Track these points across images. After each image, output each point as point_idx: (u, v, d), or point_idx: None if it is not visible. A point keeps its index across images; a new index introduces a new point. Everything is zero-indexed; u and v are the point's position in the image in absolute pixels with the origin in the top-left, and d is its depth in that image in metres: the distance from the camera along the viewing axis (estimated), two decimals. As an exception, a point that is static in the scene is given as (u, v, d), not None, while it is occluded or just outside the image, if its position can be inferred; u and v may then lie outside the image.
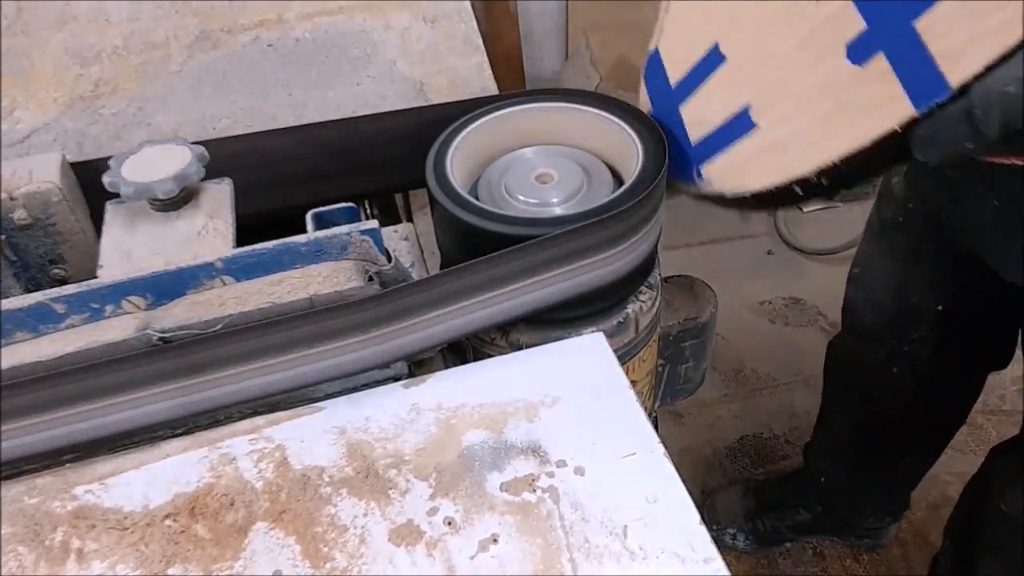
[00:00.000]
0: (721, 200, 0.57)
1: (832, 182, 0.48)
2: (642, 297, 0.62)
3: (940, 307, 1.01)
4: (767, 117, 0.53)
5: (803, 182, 0.49)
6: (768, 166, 0.51)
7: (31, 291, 0.53)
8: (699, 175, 0.58)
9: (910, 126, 0.42)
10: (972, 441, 1.54)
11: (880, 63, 0.44)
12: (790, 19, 0.52)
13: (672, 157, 0.59)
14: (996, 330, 1.05)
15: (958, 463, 1.49)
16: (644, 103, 0.65)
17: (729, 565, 0.43)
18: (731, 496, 1.45)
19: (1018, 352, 1.00)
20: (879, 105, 0.44)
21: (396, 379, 0.54)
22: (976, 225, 0.79)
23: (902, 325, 1.07)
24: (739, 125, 0.54)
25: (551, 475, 0.47)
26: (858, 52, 0.46)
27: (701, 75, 0.59)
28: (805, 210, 2.05)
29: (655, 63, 0.64)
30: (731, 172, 0.55)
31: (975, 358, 1.11)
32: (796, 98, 0.51)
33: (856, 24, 0.46)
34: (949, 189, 0.82)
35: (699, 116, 0.58)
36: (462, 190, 0.58)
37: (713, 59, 0.58)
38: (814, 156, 0.48)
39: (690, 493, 0.45)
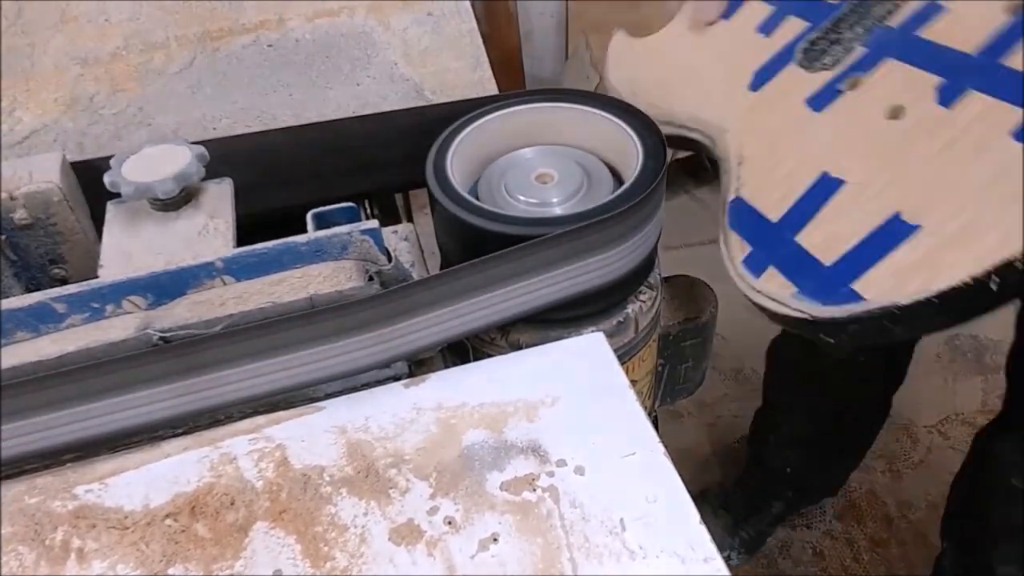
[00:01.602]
0: (899, 315, 0.51)
1: None
2: (642, 297, 0.62)
3: None
4: (931, 217, 0.50)
5: (1005, 269, 0.46)
6: (954, 260, 0.48)
7: (31, 291, 0.53)
8: (852, 293, 0.53)
9: None
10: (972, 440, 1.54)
11: None
12: (924, 131, 0.53)
13: (805, 286, 0.55)
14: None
15: (958, 462, 1.49)
16: (738, 248, 0.62)
17: (729, 566, 0.43)
18: (704, 518, 1.45)
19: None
20: None
21: (396, 379, 0.54)
22: None
23: None
24: (893, 231, 0.52)
25: (551, 475, 0.47)
26: None
27: (815, 202, 0.57)
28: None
29: (742, 210, 0.62)
30: (898, 278, 0.51)
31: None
32: (963, 190, 0.49)
33: (1012, 115, 0.47)
34: None
35: (828, 237, 0.56)
36: (462, 190, 0.58)
37: (827, 185, 0.57)
38: (1013, 237, 0.45)
39: (690, 493, 0.45)
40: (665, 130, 0.62)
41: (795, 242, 0.58)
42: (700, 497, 1.51)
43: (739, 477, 1.47)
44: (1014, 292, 0.46)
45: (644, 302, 0.62)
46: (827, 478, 1.40)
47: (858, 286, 0.52)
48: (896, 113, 0.55)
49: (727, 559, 1.42)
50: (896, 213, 0.52)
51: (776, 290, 0.58)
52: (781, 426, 1.35)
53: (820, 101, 0.61)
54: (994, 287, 0.46)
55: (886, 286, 0.51)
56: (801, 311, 0.55)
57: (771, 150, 0.63)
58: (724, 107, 0.68)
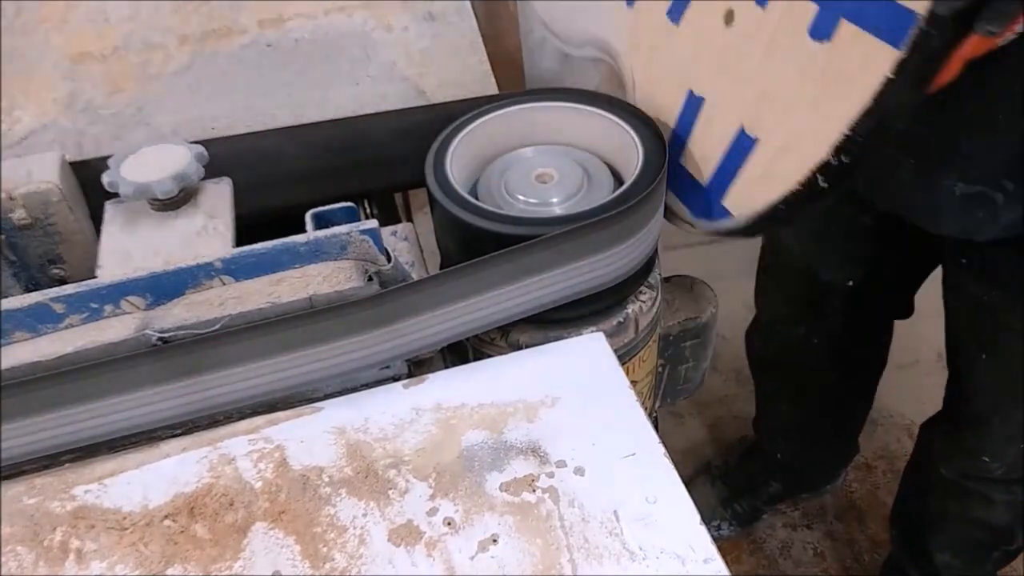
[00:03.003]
0: (761, 226, 0.56)
1: (854, 157, 0.48)
2: (642, 297, 0.62)
3: (850, 282, 1.05)
4: (763, 128, 0.53)
5: (825, 169, 0.49)
6: (785, 169, 0.52)
7: (30, 291, 0.53)
8: (724, 210, 0.57)
9: (903, 69, 0.43)
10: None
11: (846, 28, 0.46)
12: (746, 35, 0.53)
13: (692, 204, 0.59)
14: (904, 288, 1.10)
15: (958, 463, 1.49)
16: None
17: (729, 566, 0.42)
18: (701, 490, 1.48)
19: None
20: (862, 64, 0.45)
21: (396, 379, 0.54)
22: (895, 187, 0.81)
23: (815, 304, 1.11)
24: (741, 147, 0.55)
25: (551, 475, 0.47)
26: (821, 30, 0.47)
27: (687, 123, 0.60)
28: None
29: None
30: (751, 191, 0.55)
31: (885, 315, 1.16)
32: (782, 99, 0.51)
33: (809, 9, 0.48)
34: (869, 165, 0.83)
35: (701, 157, 0.59)
36: (462, 190, 0.58)
37: (693, 104, 0.59)
38: (822, 138, 0.48)
39: (690, 474, 0.45)
40: (583, 53, 0.62)
41: (681, 165, 0.61)
42: (701, 468, 1.52)
43: (741, 456, 1.49)
44: (846, 178, 0.49)
45: (644, 302, 0.62)
46: (820, 465, 1.41)
47: (727, 203, 0.57)
48: (729, 19, 0.55)
49: (717, 528, 1.45)
50: (741, 128, 0.54)
51: (680, 211, 0.63)
52: (768, 414, 1.37)
53: (675, 12, 0.60)
54: (824, 185, 0.49)
55: (744, 201, 0.55)
56: (702, 229, 0.61)
57: (650, 70, 0.64)
58: (612, 26, 0.69)
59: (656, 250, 0.62)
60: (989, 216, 0.75)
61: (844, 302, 1.08)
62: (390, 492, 0.46)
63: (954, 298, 0.95)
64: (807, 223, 1.03)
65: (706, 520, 0.44)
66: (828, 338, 1.14)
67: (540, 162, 0.62)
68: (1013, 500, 1.01)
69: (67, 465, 0.49)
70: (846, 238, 1.01)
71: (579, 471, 0.47)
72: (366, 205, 0.78)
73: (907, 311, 1.14)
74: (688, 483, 0.46)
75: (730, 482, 1.46)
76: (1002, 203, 0.73)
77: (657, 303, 0.64)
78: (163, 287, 0.50)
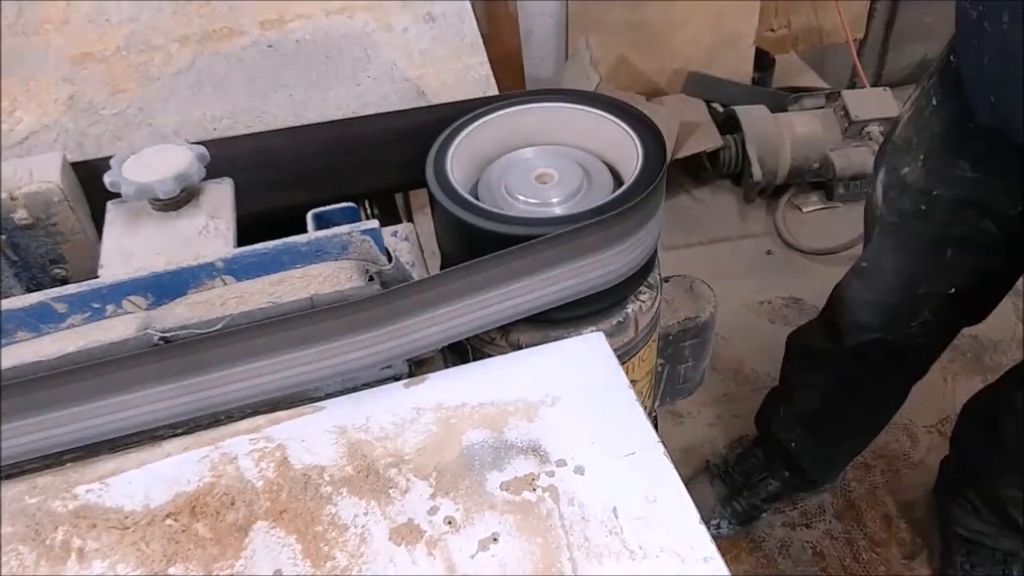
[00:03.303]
0: None
1: None
2: (642, 297, 0.62)
3: (953, 290, 1.02)
4: None
5: None
6: None
7: (32, 291, 0.53)
8: None
9: None
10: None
11: None
12: None
13: None
14: (989, 298, 1.08)
15: (958, 463, 1.49)
16: None
17: (728, 565, 0.43)
18: (700, 488, 1.48)
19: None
20: None
21: (396, 378, 0.54)
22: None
23: (903, 318, 1.09)
24: None
25: (551, 474, 0.47)
26: None
27: None
28: (805, 210, 2.06)
29: None
30: None
31: (959, 321, 1.14)
32: None
33: None
34: (999, 85, 0.79)
35: None
36: (462, 190, 0.58)
37: None
38: None
39: (690, 475, 0.45)
40: None
41: None
42: (701, 467, 1.52)
43: (741, 454, 1.49)
44: None
45: (644, 302, 0.62)
46: (826, 461, 1.41)
47: None
48: None
49: (716, 527, 1.45)
50: None
51: None
52: (792, 400, 1.35)
53: None
54: None
55: None
56: None
57: None
58: None
59: (656, 250, 0.62)
60: None
61: (934, 312, 1.05)
62: (391, 491, 0.46)
63: None
64: (920, 234, 1.00)
65: (705, 519, 0.44)
66: (898, 345, 1.12)
67: (540, 162, 0.62)
68: None
69: (69, 464, 0.49)
70: (960, 249, 0.99)
71: (579, 470, 0.47)
72: (367, 205, 0.78)
73: (980, 317, 1.11)
74: (687, 482, 0.46)
75: (729, 480, 1.47)
76: None
77: (657, 303, 0.64)
78: (165, 287, 0.50)
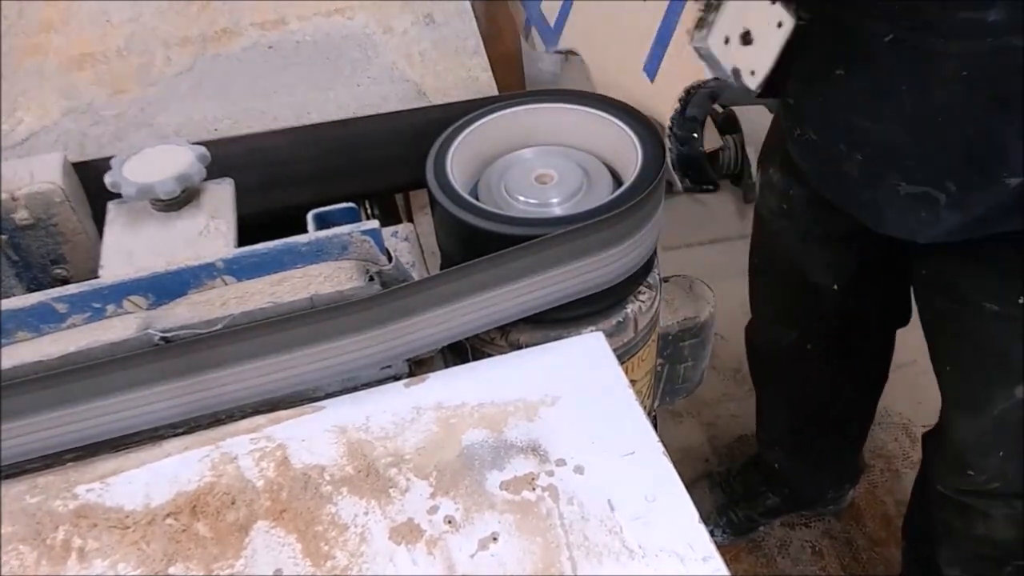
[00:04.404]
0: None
1: None
2: (641, 297, 0.62)
3: (836, 285, 1.05)
4: None
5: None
6: None
7: (33, 291, 0.53)
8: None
9: None
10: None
11: None
12: None
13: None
14: (891, 293, 1.09)
15: (957, 463, 1.49)
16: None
17: (727, 564, 0.43)
18: (698, 494, 1.47)
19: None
20: None
21: (396, 378, 0.54)
22: (843, 184, 0.82)
23: (806, 306, 1.11)
24: None
25: (551, 474, 0.47)
26: None
27: None
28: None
29: None
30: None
31: (879, 322, 1.15)
32: None
33: None
34: (817, 158, 0.85)
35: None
36: (462, 190, 0.58)
37: None
38: None
39: (689, 485, 0.46)
40: None
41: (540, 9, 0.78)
42: (702, 473, 1.52)
43: (744, 465, 1.48)
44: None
45: (643, 302, 0.62)
46: (817, 481, 1.40)
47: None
48: None
49: (710, 534, 1.44)
50: None
51: None
52: (766, 421, 1.36)
53: None
54: None
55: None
56: None
57: None
58: None
59: (655, 250, 0.62)
60: (932, 217, 0.75)
61: (834, 306, 1.08)
62: (391, 491, 0.46)
63: (921, 309, 0.96)
64: (788, 223, 1.03)
65: (698, 524, 0.44)
66: (822, 345, 1.14)
67: (540, 163, 0.63)
68: (1014, 514, 0.98)
69: (69, 464, 0.49)
70: (826, 239, 1.01)
71: (579, 470, 0.47)
72: (367, 206, 0.78)
73: (903, 318, 1.13)
74: (687, 485, 0.46)
75: (729, 490, 1.45)
76: (944, 203, 0.74)
77: (656, 303, 0.64)
78: (165, 287, 0.50)
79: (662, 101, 0.62)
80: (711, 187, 0.66)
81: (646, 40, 0.63)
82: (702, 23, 0.57)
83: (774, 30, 0.52)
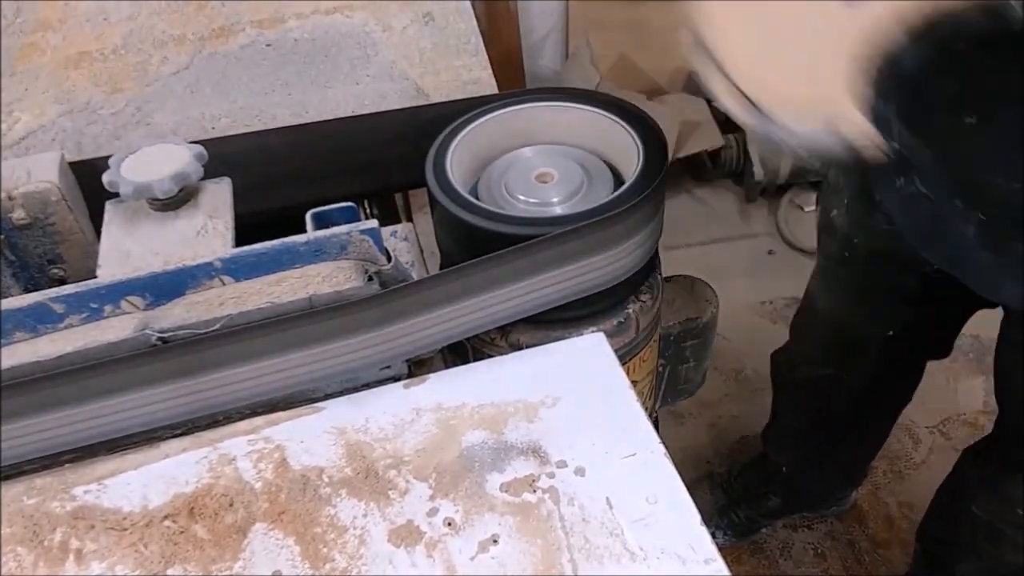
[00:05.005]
0: None
1: None
2: (643, 297, 0.62)
3: (890, 332, 1.02)
4: None
5: None
6: None
7: (30, 291, 0.53)
8: None
9: None
10: (974, 441, 1.54)
11: None
12: None
13: None
14: (942, 338, 1.07)
15: (959, 463, 1.48)
16: None
17: (729, 567, 0.42)
18: (698, 495, 1.45)
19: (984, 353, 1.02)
20: None
21: (396, 379, 0.54)
22: (952, 250, 0.74)
23: (849, 353, 1.09)
24: None
25: (551, 475, 0.46)
26: None
27: None
28: (807, 209, 2.05)
29: None
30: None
31: (922, 359, 1.14)
32: None
33: None
34: (921, 214, 0.75)
35: None
36: (462, 190, 0.57)
37: None
38: None
39: (692, 483, 0.45)
40: None
41: None
42: (704, 475, 1.51)
43: (745, 465, 1.48)
44: None
45: (645, 302, 0.62)
46: (822, 484, 1.39)
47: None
48: None
49: (712, 535, 1.43)
50: None
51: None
52: (780, 426, 1.35)
53: None
54: None
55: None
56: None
57: None
58: None
59: (657, 250, 0.62)
60: None
61: (880, 351, 1.05)
62: (390, 492, 0.46)
63: (1010, 351, 0.91)
64: (848, 273, 0.99)
65: (700, 526, 0.44)
66: (860, 381, 1.12)
67: (540, 162, 0.62)
68: None
69: (67, 465, 0.49)
70: (887, 297, 0.97)
71: (579, 471, 0.47)
72: (366, 205, 0.78)
73: (945, 352, 1.11)
74: (688, 486, 0.46)
75: (730, 491, 1.45)
76: None
77: (658, 303, 0.64)
78: (163, 287, 0.50)
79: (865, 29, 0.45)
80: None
81: None
82: None
83: None
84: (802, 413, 1.27)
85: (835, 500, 1.45)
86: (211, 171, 0.57)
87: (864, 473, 1.42)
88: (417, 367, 0.57)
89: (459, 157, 0.61)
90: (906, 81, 0.49)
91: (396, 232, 0.66)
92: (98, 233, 0.55)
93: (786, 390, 1.29)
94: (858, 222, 0.92)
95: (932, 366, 1.21)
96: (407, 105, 0.71)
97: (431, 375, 0.53)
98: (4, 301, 0.48)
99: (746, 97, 0.52)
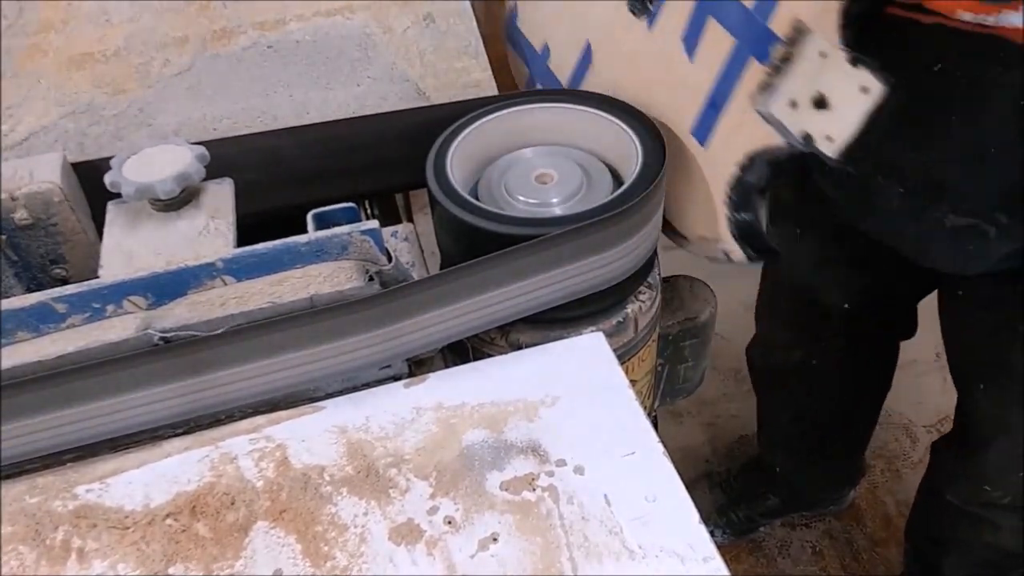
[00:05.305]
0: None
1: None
2: (642, 297, 0.62)
3: (846, 304, 1.04)
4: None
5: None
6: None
7: (32, 291, 0.53)
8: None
9: None
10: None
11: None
12: None
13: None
14: (901, 309, 1.09)
15: (957, 463, 1.49)
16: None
17: (728, 565, 0.43)
18: (697, 494, 1.45)
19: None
20: None
21: (396, 378, 0.54)
22: (883, 216, 0.78)
23: (814, 326, 1.10)
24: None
25: (551, 474, 0.47)
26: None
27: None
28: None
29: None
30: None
31: (885, 335, 1.15)
32: None
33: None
34: (850, 189, 0.80)
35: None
36: (462, 190, 0.58)
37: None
38: None
39: (690, 482, 0.46)
40: None
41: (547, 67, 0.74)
42: (703, 473, 1.52)
43: (744, 465, 1.48)
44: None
45: (644, 302, 0.62)
46: (819, 482, 1.39)
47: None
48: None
49: (710, 534, 1.43)
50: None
51: None
52: (768, 426, 1.36)
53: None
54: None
55: None
56: None
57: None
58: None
59: (656, 250, 0.62)
60: (980, 249, 0.72)
61: (842, 325, 1.07)
62: (391, 491, 0.46)
63: (951, 327, 0.94)
64: (802, 247, 1.01)
65: (699, 525, 0.44)
66: (829, 361, 1.13)
67: (540, 163, 0.63)
68: (1018, 526, 0.99)
69: (69, 464, 0.49)
70: (839, 262, 1.00)
71: (579, 470, 0.47)
72: (367, 205, 0.78)
73: (910, 330, 1.12)
74: (687, 486, 0.46)
75: (729, 490, 1.45)
76: (995, 236, 0.70)
77: (657, 303, 0.64)
78: (165, 287, 0.50)
79: (714, 166, 0.58)
80: (772, 255, 0.62)
81: (696, 101, 0.58)
82: (766, 86, 0.52)
83: (857, 96, 0.47)
84: (784, 410, 1.28)
85: (832, 500, 1.45)
86: (213, 172, 0.57)
87: (860, 471, 1.42)
88: (417, 366, 0.57)
89: (459, 158, 0.61)
90: (752, 194, 0.58)
91: (397, 232, 0.67)
92: (100, 233, 0.56)
93: (764, 384, 1.30)
94: (817, 197, 0.91)
95: (930, 367, 1.21)
96: (408, 106, 0.71)
97: (431, 374, 0.53)
98: (6, 301, 0.48)
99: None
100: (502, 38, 0.84)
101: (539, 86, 0.79)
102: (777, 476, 1.37)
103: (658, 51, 0.62)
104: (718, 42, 0.56)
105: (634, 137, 0.60)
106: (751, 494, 1.42)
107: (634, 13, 0.64)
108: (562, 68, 0.75)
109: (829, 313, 1.05)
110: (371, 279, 0.52)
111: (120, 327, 0.49)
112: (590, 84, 0.71)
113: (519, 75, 0.85)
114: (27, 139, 0.72)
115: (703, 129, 0.59)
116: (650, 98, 0.63)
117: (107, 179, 0.54)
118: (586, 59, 0.71)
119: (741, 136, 0.56)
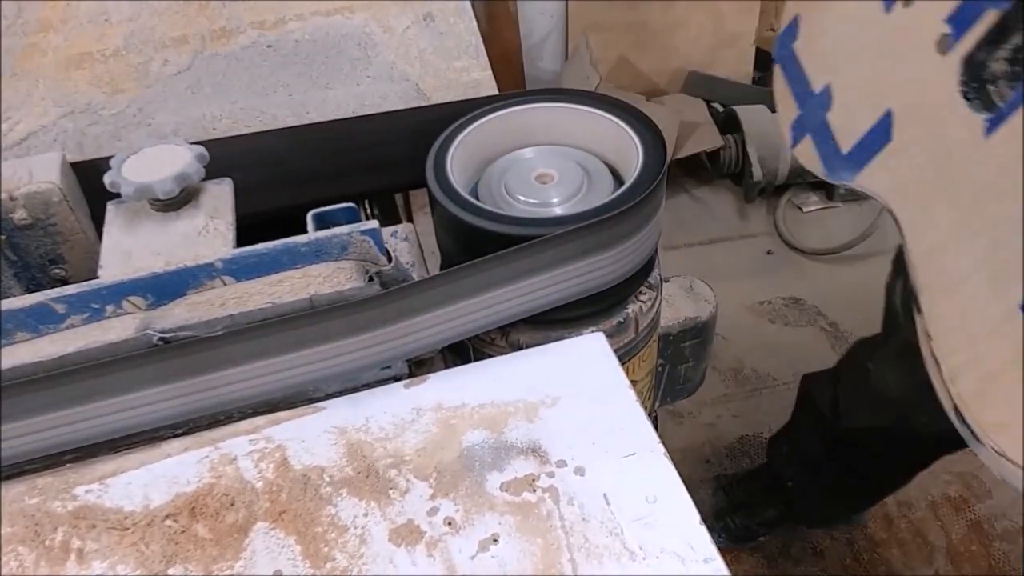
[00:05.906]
0: None
1: None
2: (642, 297, 0.62)
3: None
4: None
5: None
6: None
7: (31, 291, 0.53)
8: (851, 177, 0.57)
9: None
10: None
11: None
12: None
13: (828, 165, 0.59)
14: None
15: (959, 463, 1.49)
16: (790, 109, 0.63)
17: (728, 565, 0.43)
18: (700, 495, 1.46)
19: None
20: None
21: (396, 379, 0.54)
22: None
23: (902, 431, 1.05)
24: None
25: (551, 475, 0.47)
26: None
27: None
28: (805, 210, 2.06)
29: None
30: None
31: None
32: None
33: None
34: None
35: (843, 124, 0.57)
36: (462, 190, 0.58)
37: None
38: None
39: (691, 489, 0.45)
40: None
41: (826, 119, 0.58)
42: (706, 475, 1.50)
43: (750, 471, 1.47)
44: None
45: (644, 302, 0.62)
46: (822, 509, 1.35)
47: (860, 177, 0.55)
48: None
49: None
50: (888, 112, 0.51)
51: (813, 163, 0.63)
52: (798, 444, 1.30)
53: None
54: None
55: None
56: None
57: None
58: None
59: (656, 250, 0.62)
60: None
61: (936, 442, 1.01)
62: (391, 492, 0.46)
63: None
64: (906, 371, 0.93)
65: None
66: (899, 444, 1.08)
67: (540, 163, 0.62)
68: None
69: (68, 465, 0.49)
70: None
71: (579, 471, 0.47)
72: (367, 205, 0.78)
73: None
74: (688, 486, 0.46)
75: (731, 495, 1.44)
76: None
77: (657, 303, 0.64)
78: (164, 287, 0.50)
79: None
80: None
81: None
82: None
83: None
84: (822, 440, 1.22)
85: (847, 519, 1.42)
86: (212, 172, 0.57)
87: (871, 504, 1.37)
88: (417, 367, 0.57)
89: (459, 158, 0.61)
90: None
91: (396, 232, 0.67)
92: (99, 233, 0.56)
93: (812, 417, 1.22)
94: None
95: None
96: (407, 106, 0.71)
97: (431, 375, 0.53)
98: (6, 301, 0.48)
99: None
100: (773, 54, 0.64)
101: (809, 138, 0.62)
102: (785, 490, 1.33)
103: (998, 166, 0.43)
104: None
105: (634, 137, 0.60)
106: (751, 503, 1.41)
107: (967, 99, 0.45)
108: (846, 130, 0.57)
109: (922, 432, 0.96)
110: (371, 279, 0.52)
111: (119, 327, 0.49)
112: (886, 167, 0.53)
113: (785, 110, 0.64)
114: (26, 139, 0.72)
115: None
116: (962, 222, 0.46)
117: (106, 179, 0.54)
118: (883, 134, 0.53)
119: None
